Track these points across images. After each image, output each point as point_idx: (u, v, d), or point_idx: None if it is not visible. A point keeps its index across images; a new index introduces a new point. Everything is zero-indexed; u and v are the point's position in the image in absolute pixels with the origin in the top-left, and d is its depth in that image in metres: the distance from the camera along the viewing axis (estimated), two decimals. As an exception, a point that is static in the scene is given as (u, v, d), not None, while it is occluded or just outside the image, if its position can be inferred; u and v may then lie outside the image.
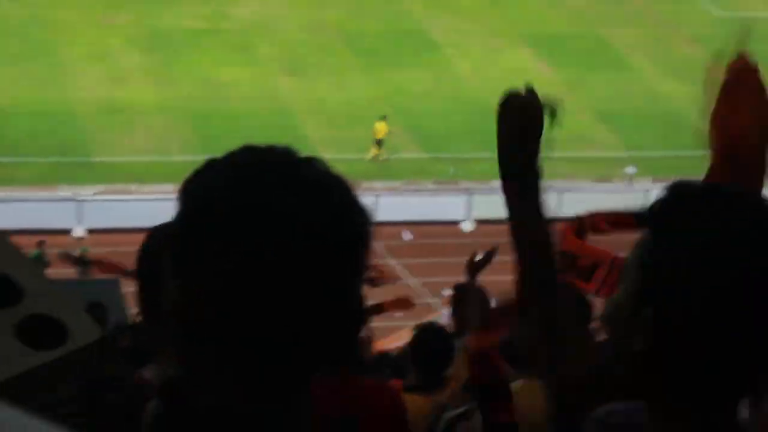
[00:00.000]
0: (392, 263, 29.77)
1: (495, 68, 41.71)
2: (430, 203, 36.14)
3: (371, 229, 1.84)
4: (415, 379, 7.53)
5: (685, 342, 2.14)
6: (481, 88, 40.33)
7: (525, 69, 41.36)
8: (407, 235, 33.31)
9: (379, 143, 37.67)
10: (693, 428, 2.20)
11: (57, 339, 1.89)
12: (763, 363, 2.19)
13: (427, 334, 7.75)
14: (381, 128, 37.40)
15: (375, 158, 37.13)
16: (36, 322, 1.89)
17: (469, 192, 35.78)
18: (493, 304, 7.29)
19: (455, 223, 35.48)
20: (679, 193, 2.32)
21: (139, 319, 6.49)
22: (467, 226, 35.42)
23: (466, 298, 7.74)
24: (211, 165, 1.81)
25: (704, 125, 3.75)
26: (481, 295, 9.28)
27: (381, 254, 31.01)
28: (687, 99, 38.80)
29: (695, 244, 2.17)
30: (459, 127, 38.70)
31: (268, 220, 1.73)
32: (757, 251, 2.13)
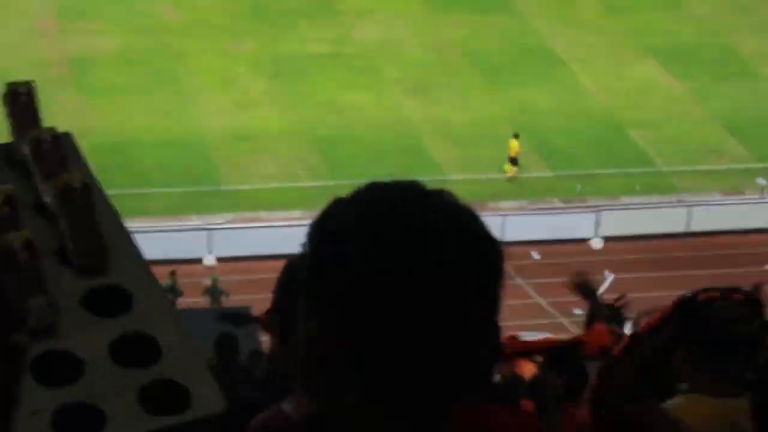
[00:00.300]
0: (521, 283, 29.77)
1: (621, 82, 41.63)
2: (558, 222, 35.78)
3: (504, 259, 1.85)
4: None
5: None
6: (607, 103, 40.53)
7: (651, 81, 41.98)
8: (536, 255, 33.20)
9: (513, 161, 37.37)
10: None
11: (180, 405, 1.90)
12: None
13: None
14: (514, 146, 37.17)
15: (512, 177, 37.14)
16: (163, 385, 1.90)
17: (596, 209, 35.46)
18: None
19: (584, 240, 35.14)
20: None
21: (274, 348, 6.55)
22: (596, 244, 35.05)
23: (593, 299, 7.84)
24: (339, 203, 1.83)
25: None
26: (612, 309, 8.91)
27: (510, 275, 31.04)
28: None
29: None
30: (585, 143, 38.49)
31: (402, 259, 1.74)
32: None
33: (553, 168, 36.81)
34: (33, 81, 2.21)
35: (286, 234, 31.95)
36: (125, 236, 2.61)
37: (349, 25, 44.12)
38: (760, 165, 36.45)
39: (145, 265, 2.35)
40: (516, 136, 36.69)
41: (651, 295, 23.15)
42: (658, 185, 36.58)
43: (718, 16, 44.45)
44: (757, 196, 35.33)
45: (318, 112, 38.50)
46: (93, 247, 2.41)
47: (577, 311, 20.96)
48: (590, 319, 7.72)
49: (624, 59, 42.22)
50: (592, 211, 35.33)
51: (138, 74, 39.78)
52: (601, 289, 32.21)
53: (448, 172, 36.60)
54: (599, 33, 43.37)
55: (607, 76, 41.72)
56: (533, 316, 29.35)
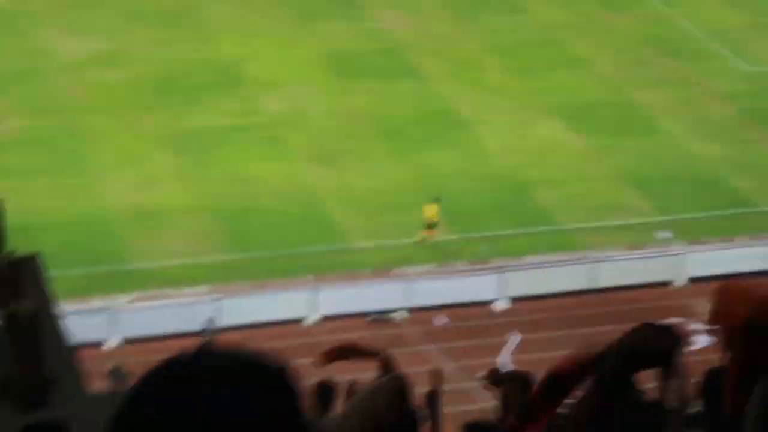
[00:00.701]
0: (430, 348, 29.91)
1: (525, 141, 41.75)
2: (464, 285, 35.36)
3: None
4: None
5: None
6: (511, 162, 40.77)
7: (555, 139, 42.21)
8: (442, 320, 33.18)
9: (431, 226, 37.13)
10: None
11: None
12: None
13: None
14: (433, 211, 37.12)
15: (423, 241, 37.04)
16: None
17: (501, 270, 35.32)
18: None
19: (489, 302, 34.84)
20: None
21: None
22: (502, 305, 34.82)
23: (505, 382, 7.88)
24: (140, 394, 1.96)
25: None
26: (523, 379, 9.40)
27: (418, 340, 31.66)
28: (718, 158, 39.37)
29: None
30: (490, 204, 38.52)
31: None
32: None
33: (459, 231, 36.88)
34: None
35: (193, 310, 32.06)
36: (72, 366, 2.69)
37: (254, 96, 44.31)
38: (662, 218, 36.80)
39: (86, 399, 2.44)
40: (437, 200, 36.88)
41: (557, 354, 23.45)
42: (562, 243, 37.13)
43: (621, 72, 45.43)
44: (659, 250, 35.45)
45: (223, 186, 38.52)
46: (36, 380, 2.49)
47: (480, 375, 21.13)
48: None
49: (528, 119, 42.84)
50: (497, 273, 35.27)
51: (42, 154, 39.49)
52: (506, 351, 32.13)
53: (354, 240, 37.04)
54: (503, 94, 43.77)
55: (511, 136, 42.27)
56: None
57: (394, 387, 4.67)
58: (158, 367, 2.03)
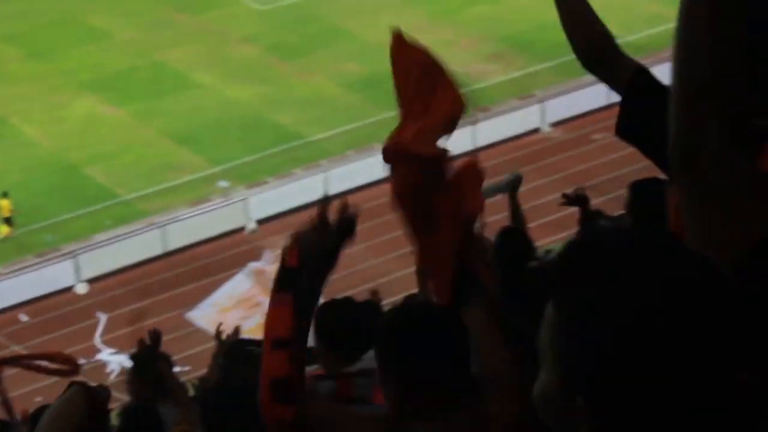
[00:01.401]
0: (17, 349, 29.43)
1: (64, 123, 41.11)
2: (40, 277, 34.39)
3: None
4: None
5: (626, 426, 2.02)
6: (56, 147, 39.89)
7: (93, 115, 41.52)
8: (24, 317, 32.59)
9: (8, 221, 36.00)
10: None
11: None
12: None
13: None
14: (5, 205, 35.90)
15: (7, 238, 35.82)
16: None
17: (72, 254, 34.65)
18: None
19: (68, 289, 34.32)
20: (579, 258, 2.18)
21: None
22: (81, 289, 34.31)
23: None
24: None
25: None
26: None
27: (4, 345, 30.64)
28: (256, 99, 40.68)
29: (613, 326, 2.00)
30: (47, 193, 37.80)
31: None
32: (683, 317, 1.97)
33: (22, 225, 36.32)
34: None
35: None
36: None
37: None
38: (218, 169, 37.67)
39: None
40: (5, 195, 35.66)
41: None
42: (126, 214, 36.58)
43: (143, 36, 45.28)
44: (222, 200, 36.37)
45: None
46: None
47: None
48: None
49: (61, 101, 42.00)
50: (69, 258, 34.57)
51: None
52: (97, 334, 32.00)
53: None
54: (30, 81, 43.06)
55: (49, 121, 41.08)
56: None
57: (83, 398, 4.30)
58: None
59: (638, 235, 2.27)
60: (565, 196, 12.13)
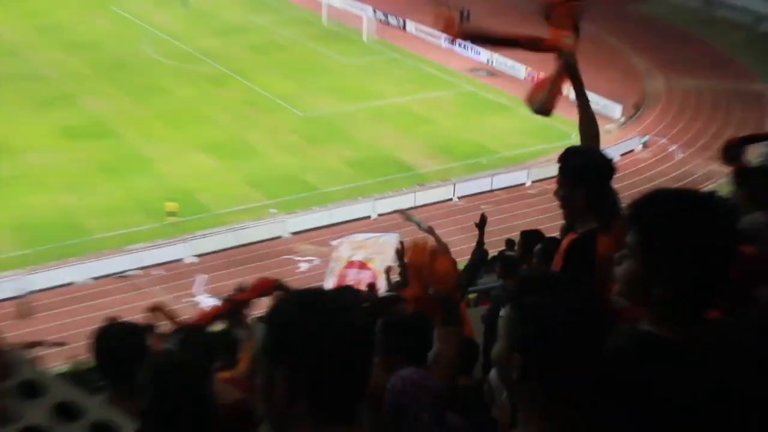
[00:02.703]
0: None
1: (187, 167, 40.13)
2: (160, 253, 33.65)
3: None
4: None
5: (544, 376, 2.23)
6: (178, 179, 38.75)
7: (204, 164, 40.21)
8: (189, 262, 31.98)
9: (172, 214, 34.65)
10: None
11: None
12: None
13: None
14: (172, 205, 34.92)
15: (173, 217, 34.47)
16: None
17: (190, 239, 33.88)
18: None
19: (180, 260, 33.39)
20: (525, 288, 2.31)
21: None
22: (190, 260, 33.46)
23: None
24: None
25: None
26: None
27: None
28: (293, 165, 40.39)
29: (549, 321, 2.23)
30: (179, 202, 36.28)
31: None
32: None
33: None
34: None
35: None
36: None
37: None
38: (271, 201, 36.99)
39: None
40: (171, 200, 34.76)
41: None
42: (219, 222, 35.89)
43: (237, 127, 44.75)
44: (271, 219, 35.37)
45: None
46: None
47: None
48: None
49: (188, 154, 41.38)
50: (189, 240, 34.21)
51: None
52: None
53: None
54: (171, 141, 42.29)
55: (180, 164, 40.59)
56: None
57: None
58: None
59: (552, 279, 2.56)
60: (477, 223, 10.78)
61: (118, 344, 4.23)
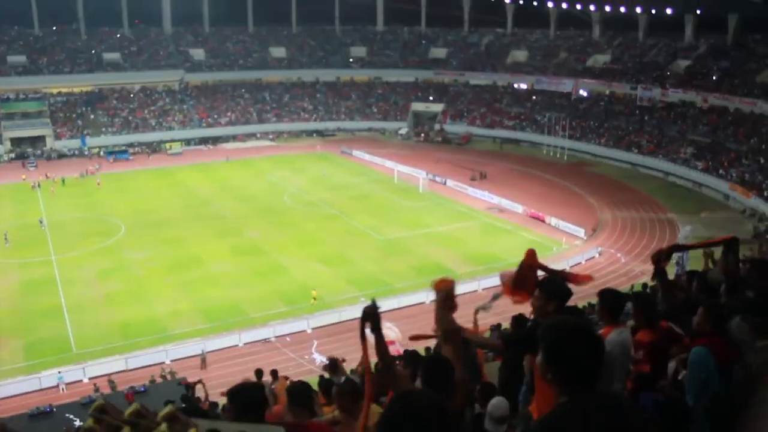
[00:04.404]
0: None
1: (300, 269, 38.36)
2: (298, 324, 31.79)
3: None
4: None
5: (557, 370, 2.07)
6: (299, 277, 37.05)
7: (308, 265, 38.67)
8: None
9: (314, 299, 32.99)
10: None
11: None
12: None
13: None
14: (313, 293, 33.29)
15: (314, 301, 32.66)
16: None
17: (306, 317, 32.20)
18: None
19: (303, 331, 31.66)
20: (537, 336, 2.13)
21: None
22: (307, 329, 31.93)
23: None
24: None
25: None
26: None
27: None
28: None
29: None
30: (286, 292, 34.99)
31: None
32: None
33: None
34: None
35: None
36: None
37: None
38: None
39: None
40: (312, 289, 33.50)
41: None
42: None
43: (339, 245, 42.63)
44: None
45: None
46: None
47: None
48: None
49: (300, 259, 39.87)
50: (306, 318, 32.45)
51: None
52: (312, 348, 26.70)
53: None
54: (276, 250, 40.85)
55: (298, 266, 38.80)
56: None
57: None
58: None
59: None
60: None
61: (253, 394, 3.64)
